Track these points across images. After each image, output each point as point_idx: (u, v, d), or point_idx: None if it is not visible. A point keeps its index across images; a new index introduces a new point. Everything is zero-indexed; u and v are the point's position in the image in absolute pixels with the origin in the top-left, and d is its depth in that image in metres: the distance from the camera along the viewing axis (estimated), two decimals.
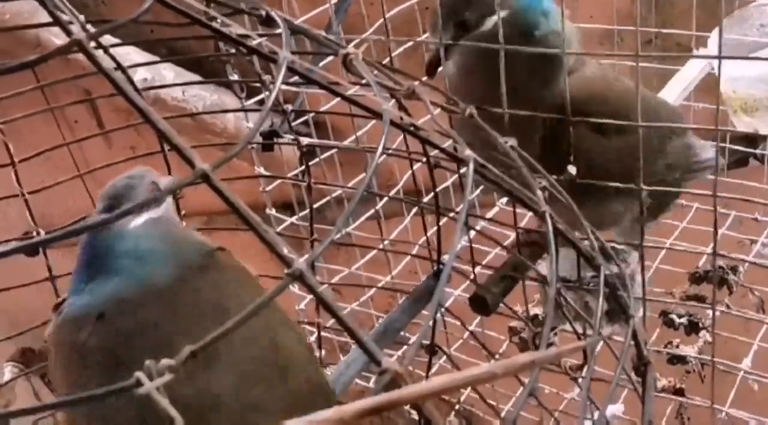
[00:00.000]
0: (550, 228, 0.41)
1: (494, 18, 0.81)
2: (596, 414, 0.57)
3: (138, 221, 0.63)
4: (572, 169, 0.76)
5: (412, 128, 0.44)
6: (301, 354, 0.64)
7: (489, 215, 1.15)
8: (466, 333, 0.89)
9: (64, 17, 0.38)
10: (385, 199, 0.99)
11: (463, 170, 0.44)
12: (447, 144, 0.46)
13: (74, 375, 0.60)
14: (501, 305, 0.81)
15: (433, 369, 0.85)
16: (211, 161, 0.33)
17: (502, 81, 0.73)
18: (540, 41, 0.83)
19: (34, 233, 0.84)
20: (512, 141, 0.58)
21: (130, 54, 1.42)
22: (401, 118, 0.45)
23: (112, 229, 0.61)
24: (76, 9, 0.44)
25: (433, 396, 0.30)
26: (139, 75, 1.48)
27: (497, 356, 0.91)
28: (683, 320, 1.04)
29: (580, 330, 0.73)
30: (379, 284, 1.04)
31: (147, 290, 0.59)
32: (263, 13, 0.46)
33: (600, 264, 0.46)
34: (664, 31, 1.24)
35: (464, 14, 0.82)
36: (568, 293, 0.79)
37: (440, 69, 0.86)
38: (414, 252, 0.90)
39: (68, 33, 0.31)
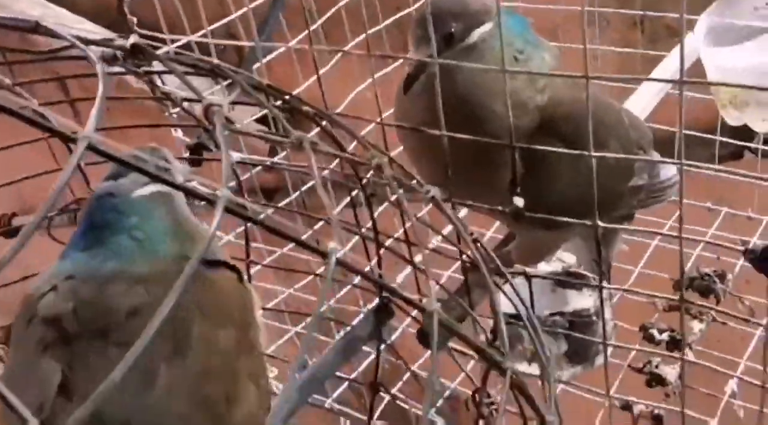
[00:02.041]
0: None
1: (481, 30, 0.75)
2: None
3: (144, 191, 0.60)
4: (519, 201, 0.68)
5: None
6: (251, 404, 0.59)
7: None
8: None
9: None
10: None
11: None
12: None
13: (15, 332, 0.61)
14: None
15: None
16: None
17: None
18: (523, 63, 0.77)
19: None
20: (435, 191, 0.50)
21: None
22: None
23: (118, 198, 0.60)
24: None
25: None
26: None
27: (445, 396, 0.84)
28: (664, 336, 0.96)
29: (536, 372, 0.67)
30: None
31: (115, 278, 0.57)
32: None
33: (507, 368, 0.39)
34: (650, 14, 1.14)
35: (451, 26, 0.74)
36: (523, 331, 0.72)
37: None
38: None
39: None
